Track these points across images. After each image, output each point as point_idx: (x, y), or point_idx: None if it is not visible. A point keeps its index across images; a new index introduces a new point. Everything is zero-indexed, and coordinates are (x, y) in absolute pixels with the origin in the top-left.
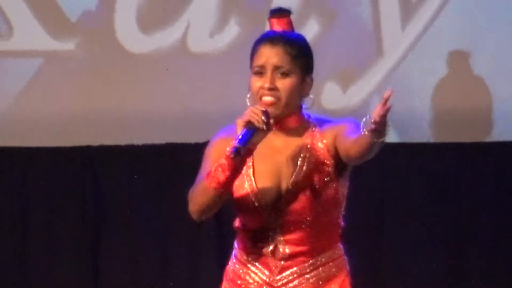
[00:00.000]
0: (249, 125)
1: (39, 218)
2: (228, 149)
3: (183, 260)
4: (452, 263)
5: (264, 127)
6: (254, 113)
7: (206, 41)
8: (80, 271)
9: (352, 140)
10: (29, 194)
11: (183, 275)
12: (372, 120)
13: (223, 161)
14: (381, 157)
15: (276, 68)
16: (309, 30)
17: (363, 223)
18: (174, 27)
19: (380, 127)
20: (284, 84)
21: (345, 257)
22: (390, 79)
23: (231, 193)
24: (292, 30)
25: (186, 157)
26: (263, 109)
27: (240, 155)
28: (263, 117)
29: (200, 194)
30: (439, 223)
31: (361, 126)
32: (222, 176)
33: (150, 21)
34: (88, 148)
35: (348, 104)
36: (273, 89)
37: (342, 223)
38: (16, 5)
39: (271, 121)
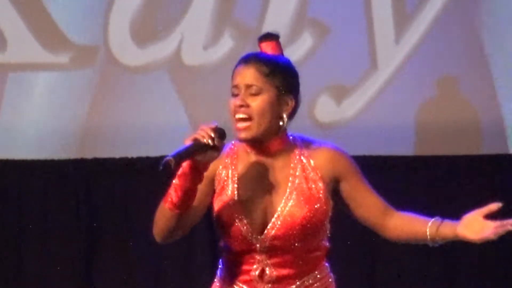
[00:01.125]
0: (194, 141)
1: (33, 230)
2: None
3: (177, 273)
4: (444, 275)
5: (210, 142)
6: (201, 130)
7: (200, 54)
8: (74, 284)
9: (388, 214)
10: (23, 207)
11: (177, 285)
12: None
13: (176, 180)
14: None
15: (247, 86)
16: (303, 44)
17: (357, 234)
18: (168, 40)
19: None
20: (256, 101)
21: (332, 275)
22: (384, 92)
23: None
24: (281, 53)
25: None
26: (214, 126)
27: (171, 168)
28: (211, 133)
29: (159, 217)
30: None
31: (431, 225)
32: (175, 197)
33: (144, 34)
34: (82, 161)
35: (342, 117)
36: (243, 106)
37: (327, 245)
38: (11, 18)
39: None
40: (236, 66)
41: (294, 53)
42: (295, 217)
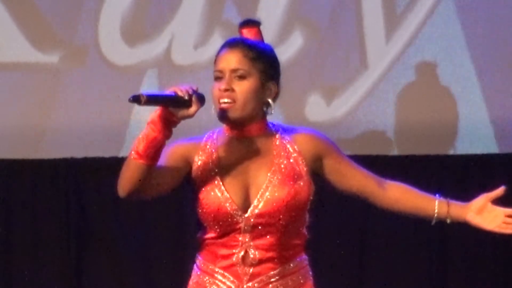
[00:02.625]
0: (173, 94)
1: (22, 230)
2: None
3: (167, 269)
4: (433, 275)
5: (186, 97)
6: (183, 86)
7: (190, 53)
8: (64, 284)
9: (386, 187)
10: (12, 207)
11: (167, 284)
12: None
13: (144, 130)
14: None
15: (233, 71)
16: (293, 43)
17: (342, 232)
18: (158, 40)
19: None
20: (241, 86)
21: (310, 269)
22: (374, 92)
23: (196, 211)
24: (262, 40)
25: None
26: (196, 87)
27: (139, 102)
28: (190, 91)
29: (124, 168)
30: (421, 232)
31: (440, 204)
32: (141, 146)
33: (134, 33)
34: (71, 160)
35: (332, 116)
36: (228, 90)
37: (307, 234)
38: (0, 16)
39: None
40: (220, 51)
41: (284, 53)
42: (279, 193)
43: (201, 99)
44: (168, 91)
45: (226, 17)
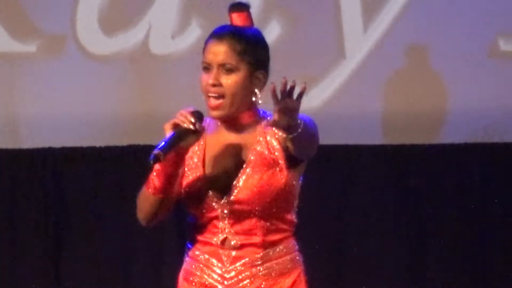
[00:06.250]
0: (176, 128)
1: (0, 221)
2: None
3: (146, 261)
4: (413, 263)
5: (192, 127)
6: (181, 115)
7: (168, 42)
8: (41, 274)
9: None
10: None
11: (146, 276)
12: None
13: (157, 166)
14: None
15: (221, 65)
16: (271, 32)
17: (325, 223)
18: (136, 29)
19: (285, 122)
20: (229, 80)
21: (300, 254)
22: (351, 82)
23: (176, 194)
24: (252, 24)
25: (149, 159)
26: (193, 110)
27: (160, 160)
28: (191, 119)
29: (143, 201)
30: (398, 223)
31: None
32: (157, 182)
33: (112, 23)
34: (49, 150)
35: (309, 106)
36: (216, 85)
37: (295, 220)
38: None
39: (208, 122)
40: (208, 40)
41: None
42: (252, 180)
43: (200, 119)
44: (169, 126)
45: (204, 7)
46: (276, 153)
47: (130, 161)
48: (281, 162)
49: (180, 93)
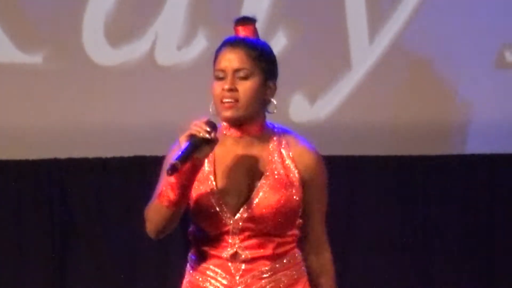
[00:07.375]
0: (192, 138)
1: (5, 231)
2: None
3: (151, 272)
4: (419, 275)
5: (207, 136)
6: (195, 125)
7: (174, 54)
8: (47, 284)
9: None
10: None
11: (151, 285)
12: None
13: (172, 179)
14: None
15: (236, 70)
16: (277, 43)
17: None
18: (142, 40)
19: None
20: (245, 86)
21: (303, 264)
22: (358, 92)
23: (187, 206)
24: (258, 37)
25: (154, 170)
26: (207, 119)
27: (177, 171)
28: (206, 128)
29: (154, 214)
30: (406, 234)
31: None
32: (172, 195)
33: (118, 34)
34: (55, 161)
35: (315, 117)
36: (232, 90)
37: (299, 233)
38: None
39: (222, 131)
40: (220, 49)
41: None
42: (270, 200)
43: (215, 129)
44: (185, 137)
45: (210, 17)
46: (291, 175)
47: (136, 172)
48: (296, 184)
49: (186, 104)
